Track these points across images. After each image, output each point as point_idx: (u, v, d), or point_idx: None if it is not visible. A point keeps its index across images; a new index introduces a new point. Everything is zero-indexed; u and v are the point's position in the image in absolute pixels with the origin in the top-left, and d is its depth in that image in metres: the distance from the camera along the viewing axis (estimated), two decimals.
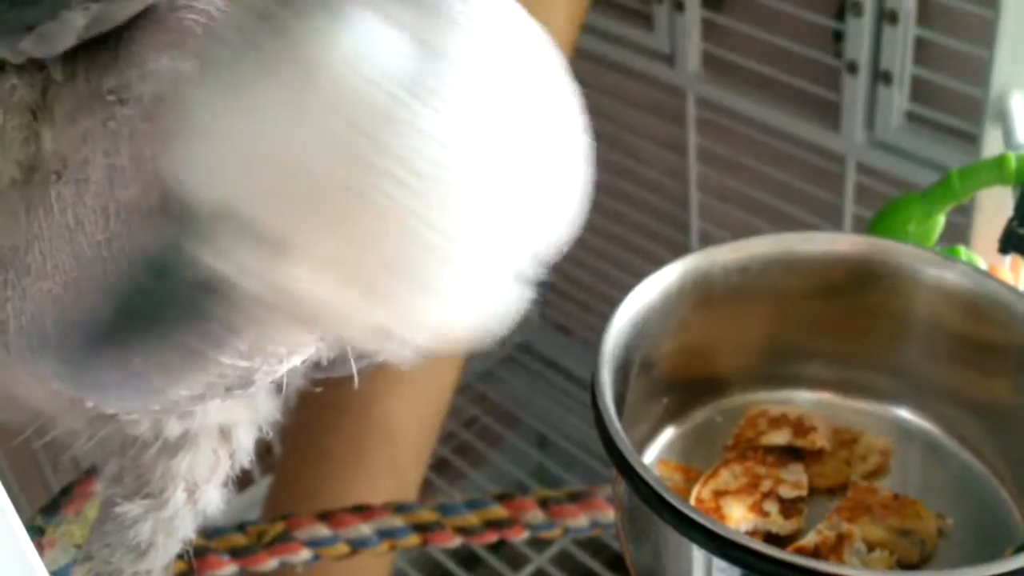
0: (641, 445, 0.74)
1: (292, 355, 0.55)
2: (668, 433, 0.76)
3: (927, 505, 0.71)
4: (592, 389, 0.65)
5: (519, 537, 1.19)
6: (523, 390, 2.06)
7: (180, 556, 1.12)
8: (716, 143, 1.73)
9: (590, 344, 0.69)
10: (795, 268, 0.76)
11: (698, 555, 0.60)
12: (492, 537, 1.20)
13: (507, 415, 2.04)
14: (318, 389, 0.65)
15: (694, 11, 1.65)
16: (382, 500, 1.11)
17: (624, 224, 1.90)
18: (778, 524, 0.69)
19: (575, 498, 1.18)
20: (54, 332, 0.54)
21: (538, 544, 1.80)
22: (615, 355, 0.68)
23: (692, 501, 0.68)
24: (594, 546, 1.79)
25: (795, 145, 1.62)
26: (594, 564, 1.77)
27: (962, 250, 0.89)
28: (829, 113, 1.56)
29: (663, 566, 0.66)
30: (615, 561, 1.79)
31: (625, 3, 1.72)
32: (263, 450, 2.14)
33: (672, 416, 0.77)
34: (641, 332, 0.72)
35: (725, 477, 0.70)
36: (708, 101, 1.71)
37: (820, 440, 0.73)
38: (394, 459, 1.44)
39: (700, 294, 0.75)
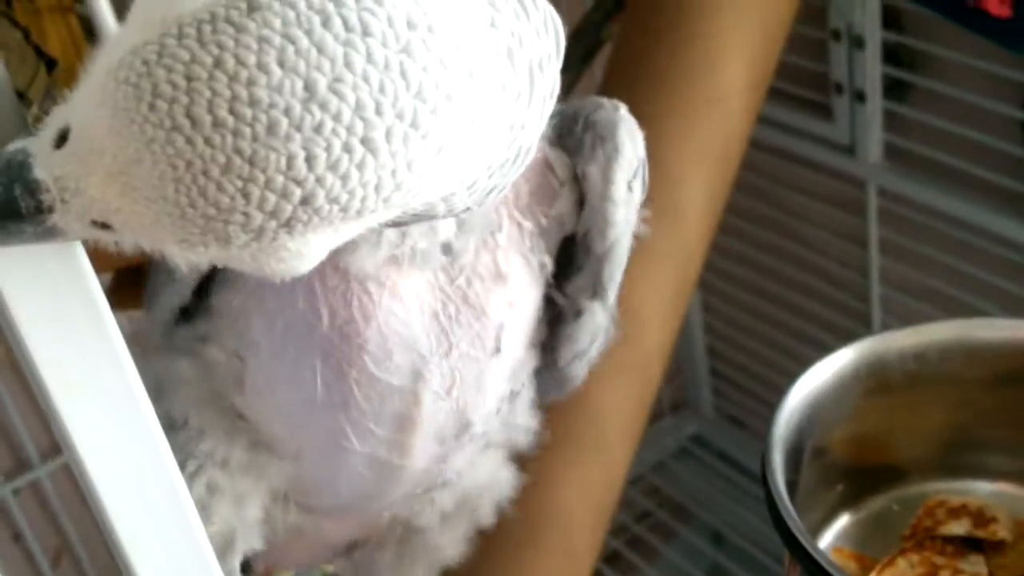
0: (815, 531, 0.75)
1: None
2: (842, 520, 0.77)
3: None
4: (763, 470, 0.67)
5: None
6: (697, 484, 2.05)
7: None
8: (898, 234, 1.72)
9: (765, 437, 0.70)
10: (975, 355, 0.76)
11: None
12: None
13: (681, 509, 2.02)
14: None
15: (875, 102, 1.65)
16: None
17: (802, 317, 1.89)
18: None
19: None
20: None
21: None
22: (787, 438, 0.69)
23: None
24: None
25: (982, 237, 1.59)
26: None
27: None
28: (1019, 204, 1.53)
29: None
30: None
31: (805, 95, 1.74)
32: None
33: (846, 503, 0.77)
34: (813, 416, 0.73)
35: (902, 566, 0.70)
36: (890, 192, 1.70)
37: (1002, 531, 0.72)
38: (567, 545, 1.45)
39: (875, 380, 0.75)
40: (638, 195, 0.64)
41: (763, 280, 1.95)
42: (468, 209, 0.52)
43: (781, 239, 1.89)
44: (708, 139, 1.48)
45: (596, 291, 0.65)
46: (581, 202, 0.64)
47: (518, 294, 0.62)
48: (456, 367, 0.62)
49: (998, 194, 1.55)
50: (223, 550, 0.64)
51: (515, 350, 0.64)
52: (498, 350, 0.63)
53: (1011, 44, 1.39)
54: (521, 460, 1.47)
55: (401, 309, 0.59)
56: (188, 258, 0.45)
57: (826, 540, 0.75)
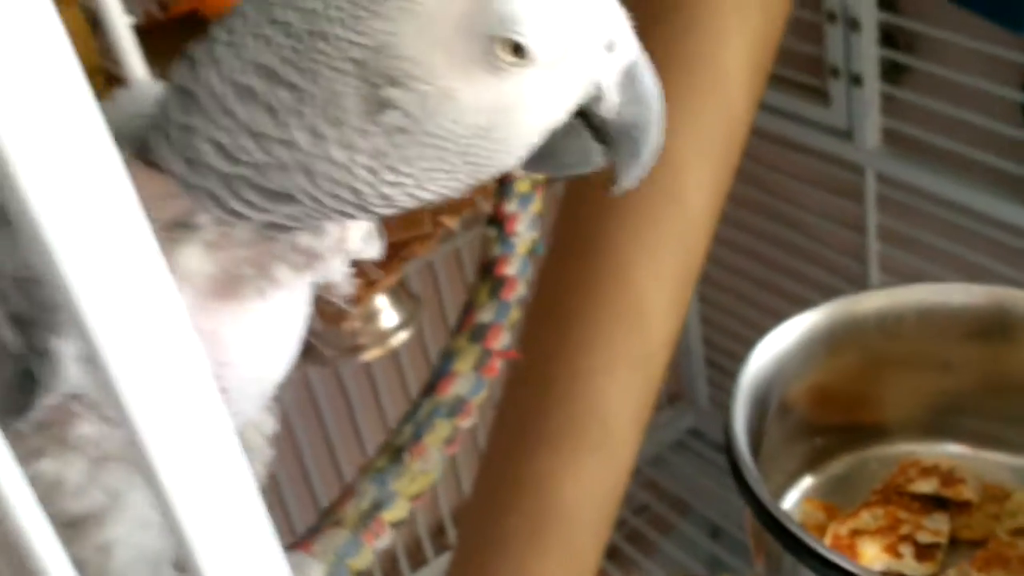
0: (790, 481, 0.77)
1: None
2: (821, 474, 0.78)
3: None
4: (726, 424, 0.67)
5: None
6: (695, 477, 2.09)
7: None
8: (897, 221, 1.72)
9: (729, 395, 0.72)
10: (951, 318, 0.77)
11: None
12: None
13: (679, 502, 2.04)
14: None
15: (872, 85, 1.66)
16: None
17: (799, 305, 1.89)
18: (911, 567, 0.70)
19: None
20: None
21: None
22: (754, 389, 0.71)
23: (828, 537, 0.70)
24: None
25: (983, 222, 1.60)
26: None
27: None
28: (1019, 188, 1.53)
29: None
30: None
31: (800, 79, 1.75)
32: (436, 530, 2.20)
33: (825, 457, 0.78)
34: (783, 370, 0.74)
35: (865, 518, 0.72)
36: (888, 177, 1.71)
37: (968, 492, 0.74)
38: (570, 542, 1.46)
39: (846, 340, 0.76)
40: None
41: (759, 269, 1.96)
42: None
43: (777, 226, 1.90)
44: (711, 125, 1.48)
45: None
46: None
47: None
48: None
49: (998, 178, 1.56)
50: None
51: None
52: None
53: (1012, 23, 1.39)
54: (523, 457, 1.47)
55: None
56: None
57: (800, 488, 0.77)
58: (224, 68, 0.54)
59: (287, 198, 0.56)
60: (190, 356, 0.33)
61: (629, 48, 0.57)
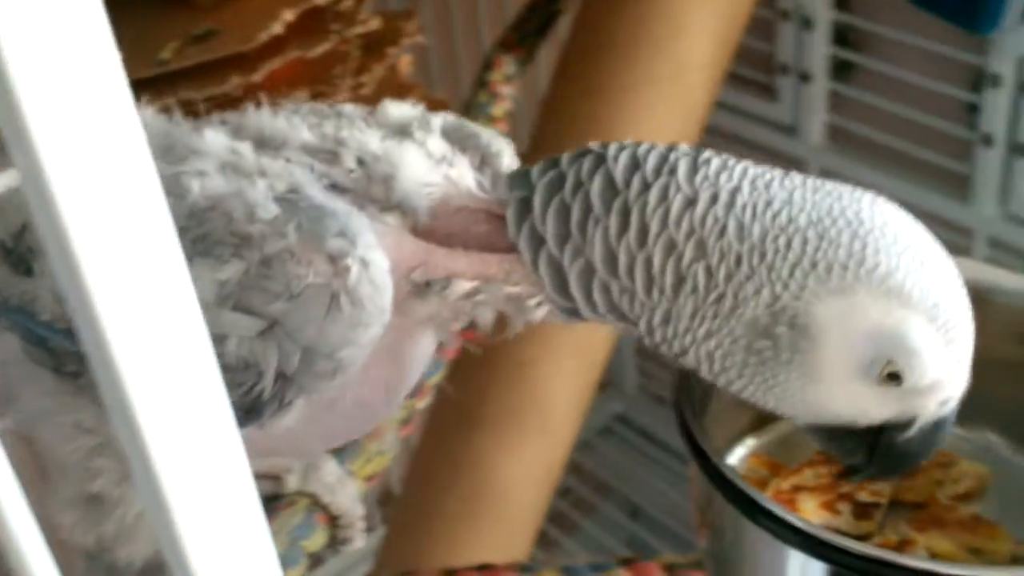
0: (736, 439, 0.78)
1: None
2: (767, 433, 0.79)
3: (1012, 533, 0.70)
4: (675, 378, 0.67)
5: None
6: (620, 461, 2.11)
7: None
8: None
9: None
10: None
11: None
12: None
13: (602, 485, 2.06)
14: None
15: (820, 82, 1.67)
16: (492, 560, 1.12)
17: None
18: (848, 524, 0.72)
19: (700, 565, 1.18)
20: None
21: None
22: None
23: (770, 492, 0.71)
24: None
25: (922, 218, 1.60)
26: None
27: None
28: (958, 186, 1.56)
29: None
30: None
31: (748, 75, 1.75)
32: (384, 497, 2.17)
33: (773, 418, 0.79)
34: None
35: (807, 475, 0.73)
36: (832, 173, 1.71)
37: None
38: (505, 523, 1.46)
39: None
40: None
41: None
42: None
43: None
44: (667, 114, 1.48)
45: None
46: None
47: None
48: None
49: (942, 176, 1.57)
50: None
51: None
52: None
53: (969, 24, 1.40)
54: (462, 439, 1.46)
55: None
56: None
57: (747, 446, 0.77)
58: (671, 218, 0.60)
59: (623, 316, 0.62)
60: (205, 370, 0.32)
61: (952, 407, 0.62)
